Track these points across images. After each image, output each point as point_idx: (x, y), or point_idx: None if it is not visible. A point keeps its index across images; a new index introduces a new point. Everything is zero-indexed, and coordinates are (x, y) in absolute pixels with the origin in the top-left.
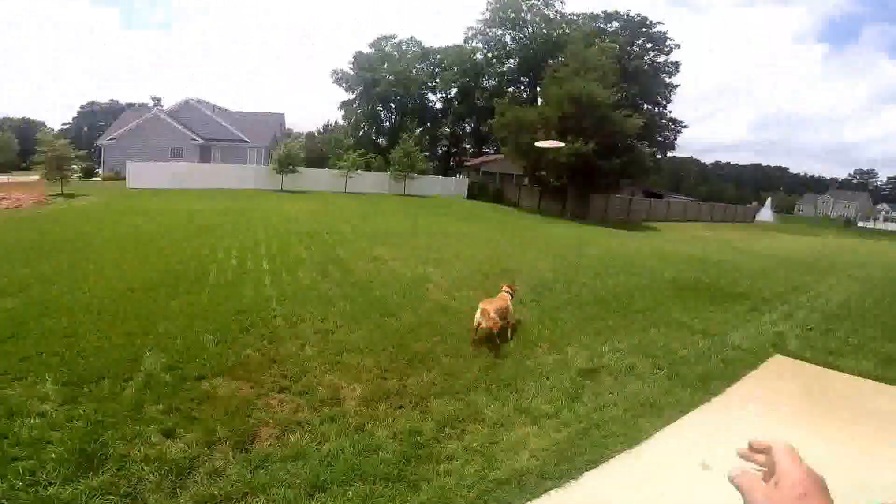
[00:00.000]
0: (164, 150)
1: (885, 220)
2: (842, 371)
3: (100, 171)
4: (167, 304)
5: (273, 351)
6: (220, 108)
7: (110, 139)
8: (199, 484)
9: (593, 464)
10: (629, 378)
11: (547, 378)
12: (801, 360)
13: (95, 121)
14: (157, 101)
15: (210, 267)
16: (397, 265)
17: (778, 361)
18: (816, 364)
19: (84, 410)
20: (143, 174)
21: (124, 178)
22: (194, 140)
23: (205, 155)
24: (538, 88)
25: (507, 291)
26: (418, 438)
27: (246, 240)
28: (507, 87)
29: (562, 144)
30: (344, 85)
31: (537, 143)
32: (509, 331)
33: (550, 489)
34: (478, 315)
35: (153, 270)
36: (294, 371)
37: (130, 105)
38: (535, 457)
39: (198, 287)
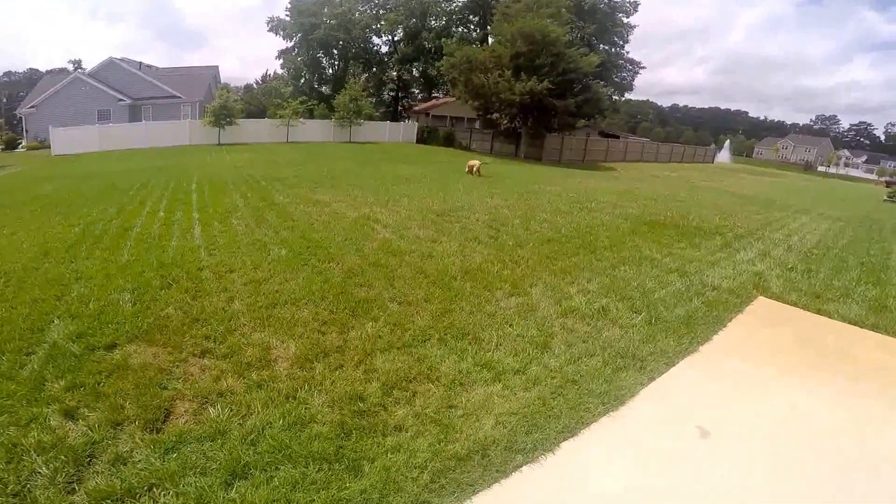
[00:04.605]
0: (90, 113)
1: (846, 165)
2: (831, 317)
3: (23, 141)
4: (83, 265)
5: (197, 308)
6: (146, 66)
7: (30, 107)
8: (99, 475)
9: (571, 431)
10: (604, 323)
11: (510, 325)
12: (787, 303)
13: (15, 90)
14: (78, 63)
15: (134, 221)
16: (341, 207)
17: (763, 304)
18: (804, 308)
19: None
20: (68, 139)
21: (50, 146)
22: (122, 100)
23: (135, 115)
24: (488, 28)
25: (480, 161)
26: (361, 405)
27: (178, 192)
28: (457, 27)
29: None
30: (281, 33)
31: None
32: (480, 171)
33: (521, 465)
34: (473, 163)
35: (72, 231)
36: (219, 330)
37: (51, 71)
38: (501, 424)
39: (119, 243)
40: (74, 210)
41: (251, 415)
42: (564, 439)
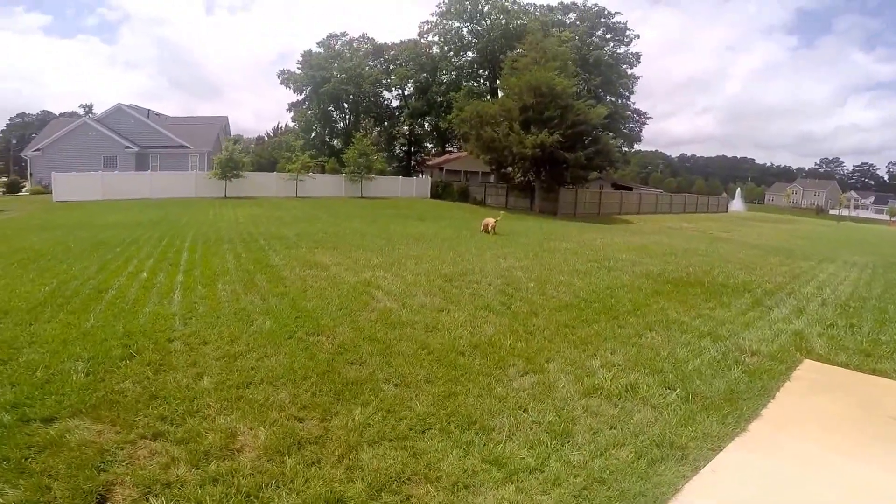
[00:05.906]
0: (96, 159)
1: (856, 207)
2: (888, 377)
3: (27, 184)
4: (42, 328)
5: (158, 383)
6: (156, 114)
7: (36, 150)
8: None
9: None
10: (633, 404)
11: (524, 410)
12: (837, 364)
13: (26, 133)
14: (88, 108)
15: (112, 282)
16: (341, 270)
17: (810, 368)
18: (856, 370)
19: None
20: (70, 185)
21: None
22: (129, 148)
23: (142, 163)
24: (498, 81)
25: (495, 218)
26: None
27: (168, 250)
28: (467, 81)
29: None
30: (292, 86)
31: None
32: (496, 230)
33: None
34: (487, 221)
35: (42, 290)
36: (178, 410)
37: (63, 114)
38: None
39: (88, 306)
40: (54, 265)
41: None
42: None
